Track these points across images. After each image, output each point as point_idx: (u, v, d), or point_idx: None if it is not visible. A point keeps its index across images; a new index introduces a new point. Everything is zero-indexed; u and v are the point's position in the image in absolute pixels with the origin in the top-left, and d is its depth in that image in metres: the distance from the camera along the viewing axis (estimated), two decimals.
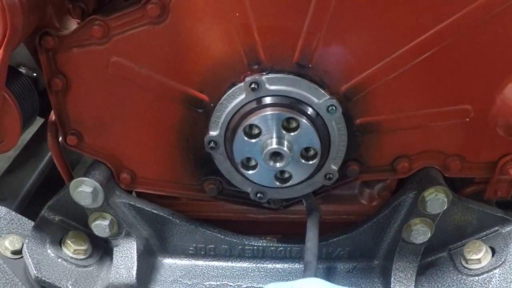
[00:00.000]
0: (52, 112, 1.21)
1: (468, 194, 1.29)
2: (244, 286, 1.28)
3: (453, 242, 1.25)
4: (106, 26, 1.07)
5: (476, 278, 1.19)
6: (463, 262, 1.21)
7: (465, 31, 1.04)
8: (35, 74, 1.40)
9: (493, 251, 1.20)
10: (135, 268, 1.22)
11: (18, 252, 1.21)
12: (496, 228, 1.22)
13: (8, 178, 1.58)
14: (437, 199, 1.15)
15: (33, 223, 1.24)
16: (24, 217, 1.27)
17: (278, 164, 1.09)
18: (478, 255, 1.19)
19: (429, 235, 1.19)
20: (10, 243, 1.21)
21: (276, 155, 1.09)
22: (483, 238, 1.23)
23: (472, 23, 1.03)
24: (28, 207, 1.47)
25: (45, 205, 1.24)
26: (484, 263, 1.19)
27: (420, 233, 1.19)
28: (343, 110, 1.10)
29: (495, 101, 1.11)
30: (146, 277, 1.27)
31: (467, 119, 1.14)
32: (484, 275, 1.18)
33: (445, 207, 1.16)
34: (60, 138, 1.24)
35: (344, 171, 1.20)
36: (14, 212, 1.27)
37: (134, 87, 1.13)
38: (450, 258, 1.24)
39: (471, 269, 1.20)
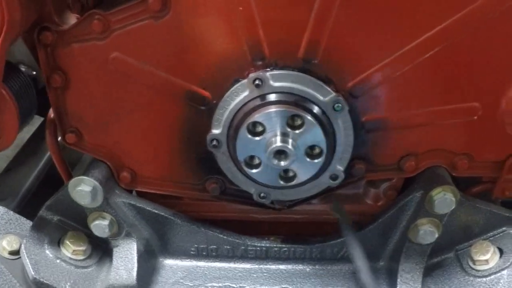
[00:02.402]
0: (51, 110, 1.19)
1: (475, 194, 1.27)
2: (247, 287, 1.26)
3: (460, 242, 1.24)
4: (106, 21, 1.05)
5: (484, 279, 1.18)
6: (471, 263, 1.20)
7: (473, 27, 1.03)
8: (34, 73, 1.39)
9: (501, 252, 1.19)
10: (135, 269, 1.21)
11: (16, 252, 1.20)
12: (504, 228, 1.20)
13: (6, 177, 1.57)
14: (445, 199, 1.14)
15: (31, 223, 1.23)
16: (22, 217, 1.26)
17: (282, 163, 1.08)
18: (486, 256, 1.18)
19: (437, 235, 1.18)
20: (8, 243, 1.21)
21: (280, 153, 1.07)
22: (491, 238, 1.21)
23: (480, 19, 1.02)
24: (27, 207, 1.46)
25: (44, 205, 1.23)
26: (491, 264, 1.18)
27: (427, 233, 1.17)
28: (349, 107, 1.08)
29: (503, 99, 1.09)
30: (147, 279, 1.26)
31: (475, 117, 1.12)
32: (492, 276, 1.17)
33: (453, 207, 1.15)
34: (59, 136, 1.22)
35: (350, 170, 1.18)
36: (12, 212, 1.26)
37: (135, 83, 1.11)
38: (457, 259, 1.23)
39: (478, 270, 1.19)
